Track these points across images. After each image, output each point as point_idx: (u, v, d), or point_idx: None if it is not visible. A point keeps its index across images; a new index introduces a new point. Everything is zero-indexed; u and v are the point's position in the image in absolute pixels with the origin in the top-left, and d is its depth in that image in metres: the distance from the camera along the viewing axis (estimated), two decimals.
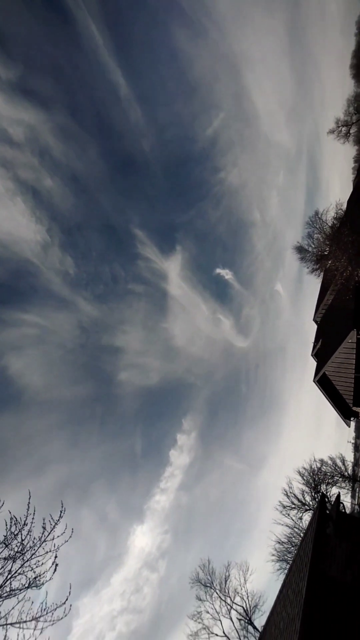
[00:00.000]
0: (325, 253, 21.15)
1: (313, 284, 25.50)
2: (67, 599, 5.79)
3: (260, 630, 14.00)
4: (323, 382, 17.27)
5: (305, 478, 23.12)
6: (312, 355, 21.12)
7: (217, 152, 39.82)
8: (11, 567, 5.72)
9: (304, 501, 22.67)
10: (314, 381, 17.71)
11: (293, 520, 22.36)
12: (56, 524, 5.93)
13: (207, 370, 43.77)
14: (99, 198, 34.11)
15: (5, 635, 5.70)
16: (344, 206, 22.17)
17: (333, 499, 18.41)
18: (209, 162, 39.31)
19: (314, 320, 23.23)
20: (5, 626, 5.58)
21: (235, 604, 19.72)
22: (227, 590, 20.06)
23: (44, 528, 5.89)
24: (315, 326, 23.29)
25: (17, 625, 5.57)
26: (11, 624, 5.59)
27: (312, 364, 20.08)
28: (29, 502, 5.94)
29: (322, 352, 18.47)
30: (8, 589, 5.52)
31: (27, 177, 33.28)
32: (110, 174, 33.72)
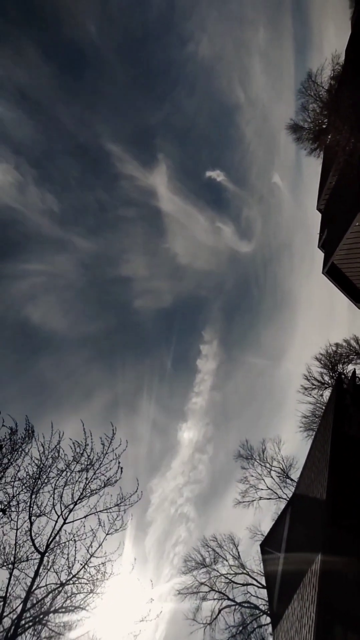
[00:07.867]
0: (324, 126, 18.54)
1: (313, 168, 23.06)
2: (137, 488, 7.66)
3: (296, 480, 17.29)
4: (332, 272, 17.12)
5: (322, 362, 25.18)
6: (319, 247, 20.52)
7: (178, 15, 31.32)
8: (86, 475, 7.48)
9: (323, 381, 25.17)
10: (323, 273, 17.62)
11: (315, 397, 25.26)
12: (111, 439, 7.51)
13: (216, 282, 43.80)
14: (57, 114, 29.20)
15: (99, 519, 7.53)
16: (342, 58, 18.38)
17: (350, 374, 20.31)
18: (171, 32, 31.41)
19: (318, 209, 21.82)
20: (96, 513, 7.47)
21: (274, 466, 24.03)
22: (265, 458, 24.25)
23: (103, 444, 7.47)
24: (319, 216, 22.01)
25: (105, 511, 7.52)
26: (100, 511, 7.54)
27: (320, 256, 19.69)
28: (84, 429, 7.39)
29: (329, 241, 17.87)
30: (89, 490, 7.40)
31: None
32: (60, 78, 28.04)
